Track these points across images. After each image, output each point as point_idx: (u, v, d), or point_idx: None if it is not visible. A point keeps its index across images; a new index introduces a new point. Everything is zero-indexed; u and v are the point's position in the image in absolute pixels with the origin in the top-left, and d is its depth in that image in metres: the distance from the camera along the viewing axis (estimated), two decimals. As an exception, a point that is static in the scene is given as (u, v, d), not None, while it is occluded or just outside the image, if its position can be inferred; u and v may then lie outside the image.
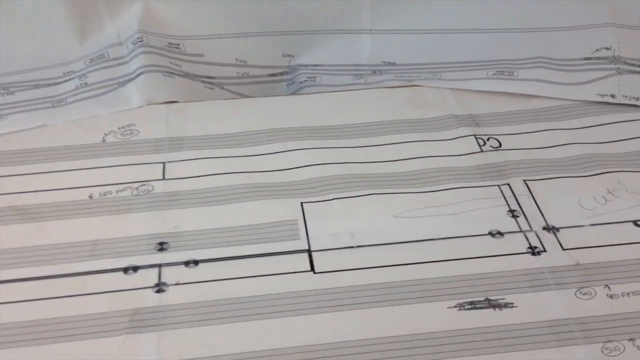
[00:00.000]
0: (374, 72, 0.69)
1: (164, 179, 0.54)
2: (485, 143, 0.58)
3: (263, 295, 0.45)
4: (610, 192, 0.52)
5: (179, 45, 0.68)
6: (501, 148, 0.57)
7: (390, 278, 0.46)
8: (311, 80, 0.70)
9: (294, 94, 0.69)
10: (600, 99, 0.62)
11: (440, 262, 0.47)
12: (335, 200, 0.52)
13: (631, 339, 0.42)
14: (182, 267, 0.47)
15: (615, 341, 0.42)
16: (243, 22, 0.70)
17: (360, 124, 0.61)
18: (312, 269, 0.47)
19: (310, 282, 0.46)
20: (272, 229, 0.50)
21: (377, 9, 0.69)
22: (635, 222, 0.50)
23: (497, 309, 0.44)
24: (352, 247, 0.49)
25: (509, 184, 0.54)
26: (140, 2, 0.68)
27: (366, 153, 0.57)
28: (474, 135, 0.58)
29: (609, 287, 0.45)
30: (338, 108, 0.63)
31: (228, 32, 0.70)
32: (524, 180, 0.54)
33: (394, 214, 0.51)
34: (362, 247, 0.49)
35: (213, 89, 0.69)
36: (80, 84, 0.64)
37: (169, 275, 0.46)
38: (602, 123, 0.59)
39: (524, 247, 0.48)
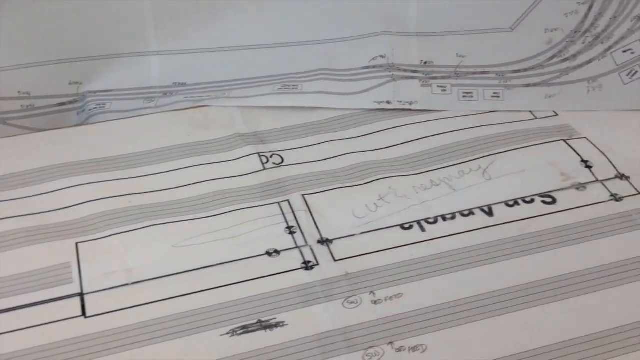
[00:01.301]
0: (165, 94, 0.69)
1: None
2: (268, 160, 0.59)
3: (28, 349, 0.43)
4: (381, 199, 0.55)
5: (-51, 83, 0.64)
6: (283, 164, 0.59)
7: (163, 313, 0.46)
8: (101, 107, 0.68)
9: (83, 123, 0.67)
10: (377, 106, 0.65)
11: (216, 289, 0.48)
12: (113, 236, 0.51)
13: (390, 342, 0.44)
14: (-60, 331, 0.44)
15: (376, 346, 0.44)
16: (22, 52, 0.67)
17: (145, 151, 0.60)
18: (84, 313, 0.46)
19: (80, 327, 0.45)
20: (42, 276, 0.48)
21: (161, 30, 0.69)
22: (402, 226, 0.53)
23: (268, 330, 0.45)
24: (127, 284, 0.48)
25: (288, 201, 0.55)
26: None
27: (149, 182, 0.57)
28: (258, 154, 0.59)
29: (374, 293, 0.48)
30: (125, 136, 0.62)
31: (7, 64, 0.67)
32: (302, 195, 0.55)
33: (172, 244, 0.51)
34: (137, 284, 0.48)
35: (-7, 126, 0.65)
36: None
37: None
38: (378, 130, 0.62)
39: (299, 262, 0.50)
